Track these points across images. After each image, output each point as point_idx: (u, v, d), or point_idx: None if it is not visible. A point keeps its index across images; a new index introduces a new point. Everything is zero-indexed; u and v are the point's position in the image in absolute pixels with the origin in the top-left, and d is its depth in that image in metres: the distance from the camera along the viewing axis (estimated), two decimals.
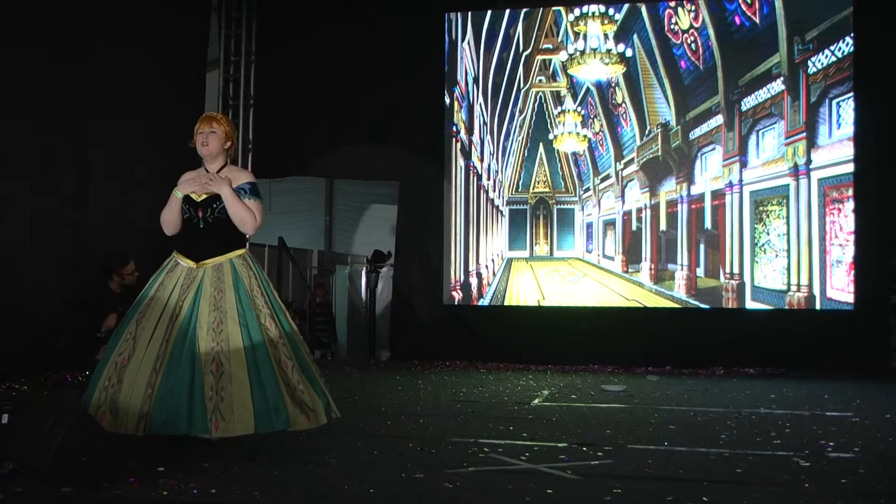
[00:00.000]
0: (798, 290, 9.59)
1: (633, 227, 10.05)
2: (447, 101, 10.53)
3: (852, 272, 9.45)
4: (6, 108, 7.40)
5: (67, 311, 7.78)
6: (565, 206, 10.24)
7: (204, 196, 4.51)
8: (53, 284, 7.84)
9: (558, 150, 10.32)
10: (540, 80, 10.42)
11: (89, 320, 7.29)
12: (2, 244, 7.32)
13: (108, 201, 8.47)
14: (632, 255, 10.03)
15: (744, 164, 9.81)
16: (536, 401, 6.77)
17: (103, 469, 3.71)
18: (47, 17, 7.84)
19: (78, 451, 3.60)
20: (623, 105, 10.18)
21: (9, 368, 7.07)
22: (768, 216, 9.71)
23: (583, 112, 10.28)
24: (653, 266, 9.99)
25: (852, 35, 9.54)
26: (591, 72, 10.24)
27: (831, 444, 4.84)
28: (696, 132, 9.95)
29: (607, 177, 10.16)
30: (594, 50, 10.20)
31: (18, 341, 7.22)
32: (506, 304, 10.30)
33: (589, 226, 10.18)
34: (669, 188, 9.98)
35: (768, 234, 9.70)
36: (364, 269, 13.66)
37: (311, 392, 4.35)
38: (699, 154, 9.95)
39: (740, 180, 9.80)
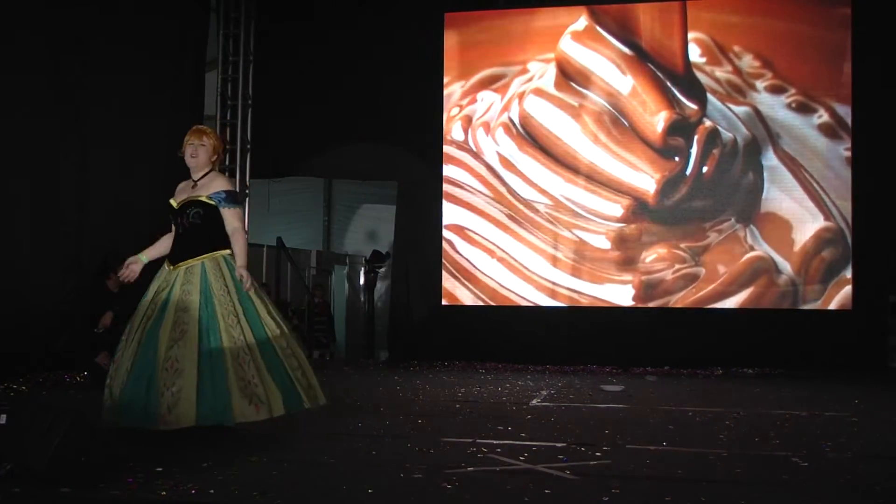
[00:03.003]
0: (798, 291, 9.58)
1: (631, 229, 9.95)
2: (445, 101, 10.50)
3: (852, 272, 9.44)
4: (6, 109, 7.40)
5: (67, 311, 7.78)
6: (565, 207, 10.14)
7: (180, 203, 4.78)
8: (53, 284, 7.83)
9: (556, 151, 10.21)
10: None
11: (88, 320, 7.29)
12: (2, 244, 7.32)
13: (107, 201, 8.47)
14: (631, 255, 9.95)
15: (743, 167, 9.78)
16: (535, 401, 6.77)
17: (102, 469, 3.71)
18: (47, 18, 7.84)
19: (76, 452, 3.60)
20: (624, 106, 10.07)
21: (7, 368, 7.07)
22: (767, 216, 9.68)
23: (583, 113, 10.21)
24: (652, 267, 9.92)
25: (852, 30, 9.55)
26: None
27: (829, 444, 4.84)
28: (696, 136, 9.88)
29: (604, 178, 10.04)
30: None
31: (17, 341, 7.22)
32: (504, 304, 10.27)
33: (587, 226, 10.09)
34: (669, 189, 9.89)
35: (767, 233, 9.66)
36: (362, 269, 13.64)
37: (270, 385, 4.54)
38: (703, 156, 9.86)
39: (741, 181, 9.77)
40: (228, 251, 4.76)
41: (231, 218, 4.75)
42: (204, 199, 4.74)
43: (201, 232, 4.73)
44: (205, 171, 4.83)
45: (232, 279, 4.68)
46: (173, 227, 4.85)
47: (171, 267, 4.72)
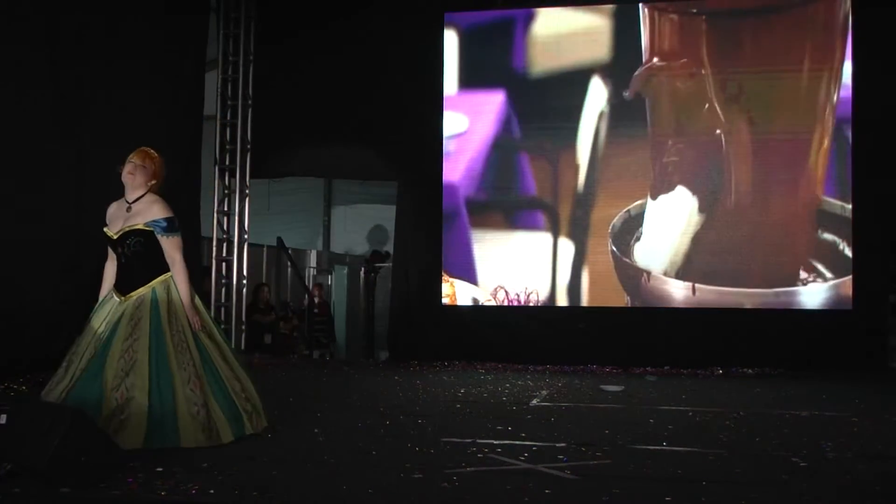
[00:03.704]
0: (797, 290, 9.55)
1: (631, 230, 9.90)
2: (446, 100, 10.48)
3: (852, 272, 9.43)
4: (4, 109, 7.39)
5: (65, 311, 7.77)
6: (566, 207, 10.08)
7: (118, 234, 4.68)
8: (52, 285, 7.83)
9: (557, 150, 10.15)
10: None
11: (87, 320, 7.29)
12: (0, 245, 7.32)
13: (106, 202, 8.44)
14: (631, 256, 9.90)
15: (744, 168, 9.74)
16: (535, 401, 6.77)
17: (102, 469, 3.71)
18: (45, 18, 7.83)
19: (76, 452, 3.60)
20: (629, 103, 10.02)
21: (7, 369, 7.07)
22: (767, 216, 9.65)
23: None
24: (652, 268, 9.87)
25: (851, 32, 9.54)
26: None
27: (829, 444, 4.84)
28: (697, 136, 9.84)
29: (605, 178, 9.99)
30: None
31: (17, 342, 7.22)
32: (504, 304, 10.24)
33: (588, 226, 10.04)
34: (669, 190, 9.84)
35: (767, 233, 9.64)
36: (362, 269, 13.66)
37: (216, 412, 4.55)
38: (702, 156, 9.80)
39: (742, 182, 9.72)
40: (169, 274, 4.71)
41: (169, 247, 4.66)
42: (141, 226, 4.65)
43: (145, 259, 4.66)
44: (140, 194, 4.73)
45: (178, 303, 4.65)
46: (112, 255, 4.77)
47: (122, 297, 4.63)
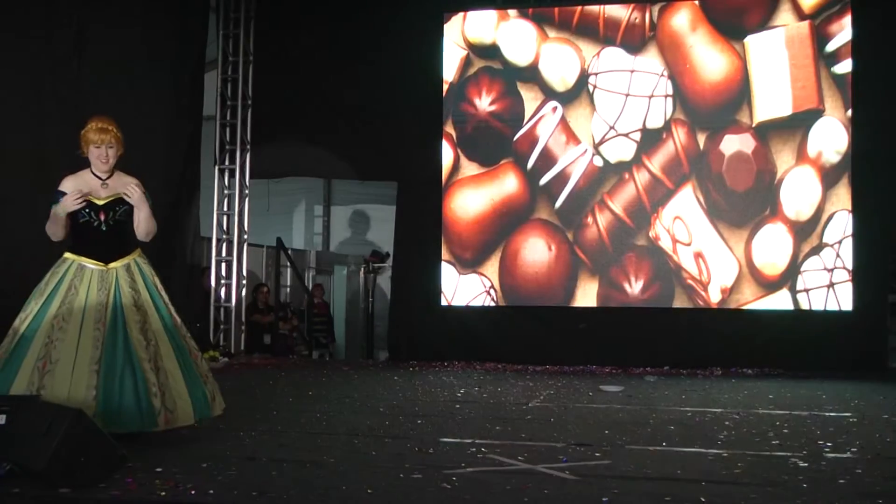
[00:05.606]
0: (797, 291, 9.56)
1: (630, 230, 9.91)
2: (446, 100, 10.48)
3: (851, 273, 9.43)
4: (4, 110, 7.39)
5: None
6: (565, 208, 10.08)
7: (106, 200, 4.66)
8: None
9: (557, 151, 10.15)
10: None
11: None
12: (1, 247, 7.32)
13: None
14: (630, 257, 9.90)
15: (742, 169, 9.73)
16: (535, 401, 6.77)
17: (102, 469, 3.71)
18: (45, 18, 7.83)
19: (76, 452, 3.60)
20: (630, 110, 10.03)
21: None
22: (766, 216, 9.65)
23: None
24: (651, 268, 9.88)
25: (851, 31, 9.54)
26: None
27: (829, 444, 4.84)
28: (696, 138, 9.85)
29: (605, 179, 9.99)
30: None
31: None
32: (504, 304, 10.24)
33: (587, 227, 10.05)
34: (668, 191, 9.84)
35: (766, 234, 9.64)
36: (362, 269, 13.67)
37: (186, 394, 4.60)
38: (702, 158, 9.82)
39: (741, 183, 9.72)
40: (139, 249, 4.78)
41: (149, 211, 4.71)
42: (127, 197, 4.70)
43: (126, 229, 4.70)
44: (112, 171, 4.75)
45: (155, 279, 4.72)
46: (81, 224, 4.62)
47: (105, 266, 4.59)
